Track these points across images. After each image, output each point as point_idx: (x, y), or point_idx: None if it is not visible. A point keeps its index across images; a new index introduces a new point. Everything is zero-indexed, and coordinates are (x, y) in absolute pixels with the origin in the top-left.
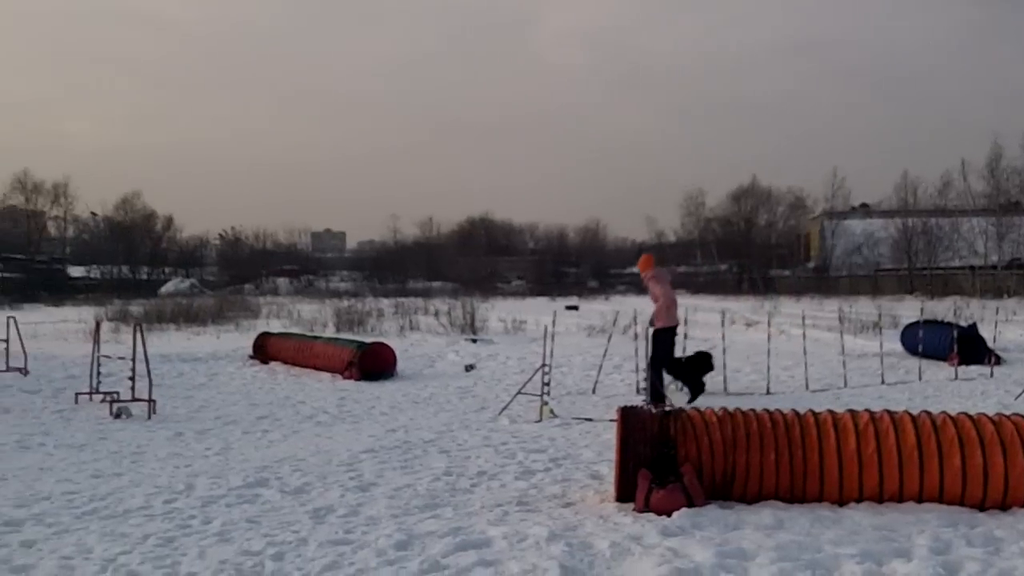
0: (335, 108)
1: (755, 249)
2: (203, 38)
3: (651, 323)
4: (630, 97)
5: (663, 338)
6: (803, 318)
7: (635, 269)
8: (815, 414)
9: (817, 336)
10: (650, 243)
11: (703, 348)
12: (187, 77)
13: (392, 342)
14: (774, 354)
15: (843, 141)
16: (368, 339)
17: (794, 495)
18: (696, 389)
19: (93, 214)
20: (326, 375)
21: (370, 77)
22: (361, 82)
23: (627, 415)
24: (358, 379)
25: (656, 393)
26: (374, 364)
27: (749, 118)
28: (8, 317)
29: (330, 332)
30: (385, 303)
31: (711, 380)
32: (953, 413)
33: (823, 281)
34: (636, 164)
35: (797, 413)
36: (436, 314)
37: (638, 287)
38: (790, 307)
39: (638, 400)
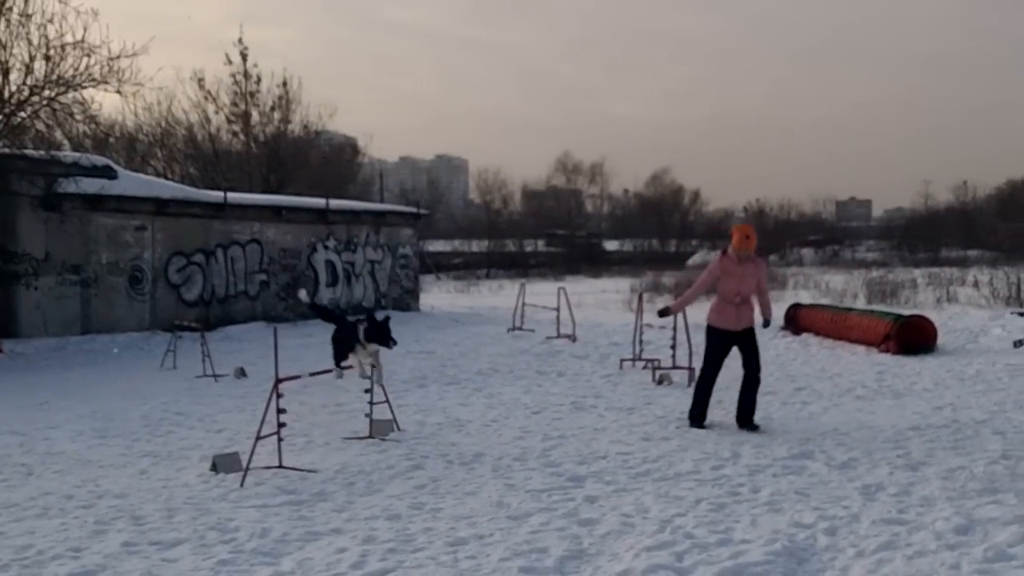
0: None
1: None
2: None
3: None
4: None
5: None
6: None
7: None
8: None
9: None
10: None
11: None
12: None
13: (930, 314)
14: None
15: None
16: (904, 311)
17: None
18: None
19: (625, 191)
20: (861, 348)
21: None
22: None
23: None
24: (896, 353)
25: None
26: (913, 337)
27: None
28: (558, 288)
29: (861, 303)
30: (917, 273)
31: None
32: None
33: None
34: None
35: None
36: (976, 284)
37: None
38: None
39: None
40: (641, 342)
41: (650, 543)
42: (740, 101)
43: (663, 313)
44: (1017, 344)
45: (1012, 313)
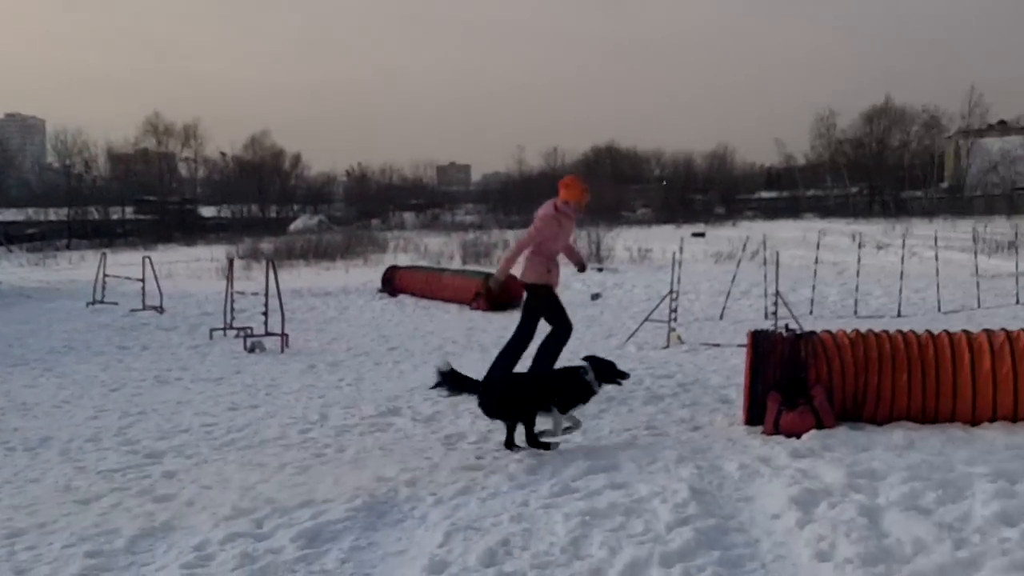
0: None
1: (887, 171)
2: None
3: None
4: (770, 10)
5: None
6: (935, 239)
7: (764, 194)
8: (949, 335)
9: (950, 257)
10: (779, 167)
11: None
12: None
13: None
14: (906, 276)
15: (981, 56)
16: (494, 270)
17: (926, 416)
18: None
19: (223, 154)
20: (454, 306)
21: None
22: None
23: (757, 339)
24: (486, 310)
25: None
26: (501, 295)
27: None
28: (143, 257)
29: (457, 264)
30: (511, 235)
31: (841, 304)
32: None
33: (956, 202)
34: (765, 86)
35: (931, 334)
36: None
37: (767, 212)
38: (922, 229)
39: (767, 325)
40: (233, 310)
41: (229, 512)
42: (341, 64)
43: (494, 287)
44: (594, 297)
45: (592, 268)
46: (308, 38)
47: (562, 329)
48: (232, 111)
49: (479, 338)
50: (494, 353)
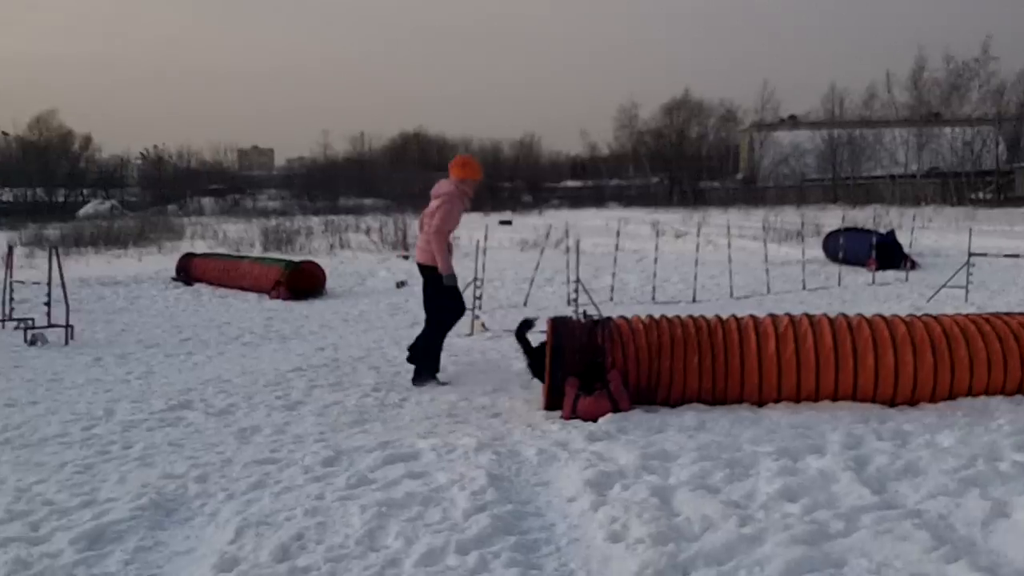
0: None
1: (686, 161)
2: None
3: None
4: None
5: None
6: (728, 228)
7: (570, 183)
8: (737, 319)
9: (743, 245)
10: (584, 156)
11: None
12: None
13: (322, 260)
14: (701, 263)
15: (774, 53)
16: (297, 258)
17: (716, 397)
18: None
19: (4, 134)
20: (253, 295)
21: None
22: None
23: (557, 325)
24: (286, 299)
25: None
26: (303, 283)
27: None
28: None
29: (257, 252)
30: (315, 221)
31: (640, 290)
32: (869, 316)
33: (751, 192)
34: (572, 77)
35: (720, 318)
36: (367, 231)
37: (572, 201)
38: (718, 218)
39: (568, 311)
40: (12, 300)
41: (2, 516)
42: (134, 42)
43: (448, 281)
44: (399, 285)
45: (398, 256)
46: (96, 5)
47: (457, 310)
48: (14, 89)
49: (279, 328)
50: (294, 344)
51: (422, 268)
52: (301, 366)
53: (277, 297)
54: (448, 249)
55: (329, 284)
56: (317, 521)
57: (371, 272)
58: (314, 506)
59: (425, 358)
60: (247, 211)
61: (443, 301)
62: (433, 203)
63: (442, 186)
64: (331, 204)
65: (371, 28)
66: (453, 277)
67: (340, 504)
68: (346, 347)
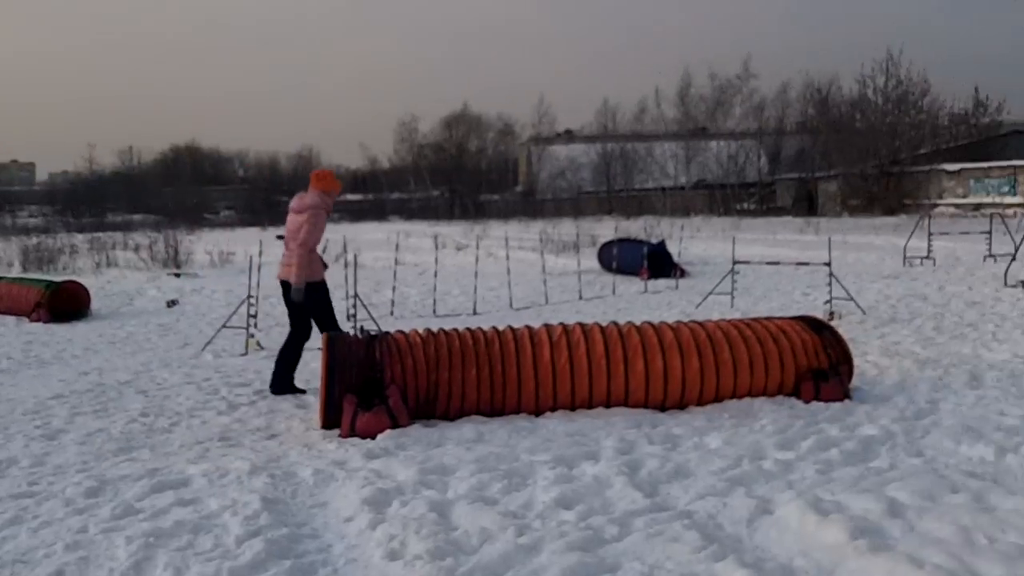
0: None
1: (466, 175)
2: None
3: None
4: (352, 16)
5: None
6: (507, 241)
7: (350, 196)
8: (513, 330)
9: (522, 257)
10: (364, 170)
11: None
12: None
13: (87, 280)
14: (481, 276)
15: (549, 69)
16: (59, 278)
17: (495, 408)
18: None
19: None
20: (11, 319)
21: None
22: None
23: (333, 341)
24: (47, 321)
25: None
26: (65, 304)
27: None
28: None
29: (16, 272)
30: (80, 238)
31: (422, 304)
32: (639, 323)
33: (530, 205)
34: (350, 90)
35: (497, 329)
36: (136, 248)
37: (352, 215)
38: (498, 230)
39: (347, 327)
40: None
41: None
42: None
43: (297, 298)
44: (170, 304)
45: (169, 274)
46: None
47: (331, 328)
48: None
49: (38, 352)
50: (55, 368)
51: (285, 285)
52: (63, 392)
53: (37, 320)
54: (323, 263)
55: (94, 305)
56: (79, 556)
57: (140, 291)
58: (76, 540)
59: (285, 364)
60: (5, 228)
61: (316, 315)
62: (298, 218)
63: (305, 199)
64: (98, 220)
65: (136, 35)
66: (300, 292)
67: (104, 536)
68: (112, 371)
